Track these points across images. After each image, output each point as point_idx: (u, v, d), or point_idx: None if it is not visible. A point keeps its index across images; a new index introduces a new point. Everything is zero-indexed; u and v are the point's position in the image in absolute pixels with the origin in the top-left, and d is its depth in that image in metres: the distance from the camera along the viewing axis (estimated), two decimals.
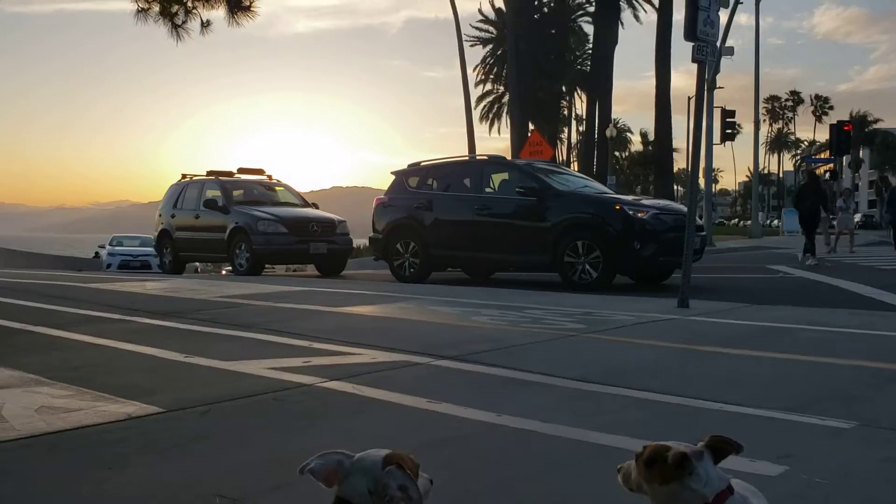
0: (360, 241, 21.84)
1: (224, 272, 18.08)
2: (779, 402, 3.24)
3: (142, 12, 7.14)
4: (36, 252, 40.27)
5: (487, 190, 11.29)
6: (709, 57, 6.55)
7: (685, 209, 8.60)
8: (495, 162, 11.97)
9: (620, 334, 5.24)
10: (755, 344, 4.80)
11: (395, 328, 5.68)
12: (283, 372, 3.85)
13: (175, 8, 6.90)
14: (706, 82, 24.13)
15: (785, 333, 5.36)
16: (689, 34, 6.42)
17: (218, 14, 7.06)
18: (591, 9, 46.72)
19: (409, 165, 12.51)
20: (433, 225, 11.40)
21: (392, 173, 12.50)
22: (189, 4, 6.91)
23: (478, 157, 12.87)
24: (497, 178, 11.52)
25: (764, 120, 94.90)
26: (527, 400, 3.36)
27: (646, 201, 10.91)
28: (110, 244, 28.00)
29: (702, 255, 10.99)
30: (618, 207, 9.91)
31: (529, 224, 10.38)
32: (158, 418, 3.03)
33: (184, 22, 7.02)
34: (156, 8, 6.97)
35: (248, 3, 6.94)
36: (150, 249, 21.10)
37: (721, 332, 5.42)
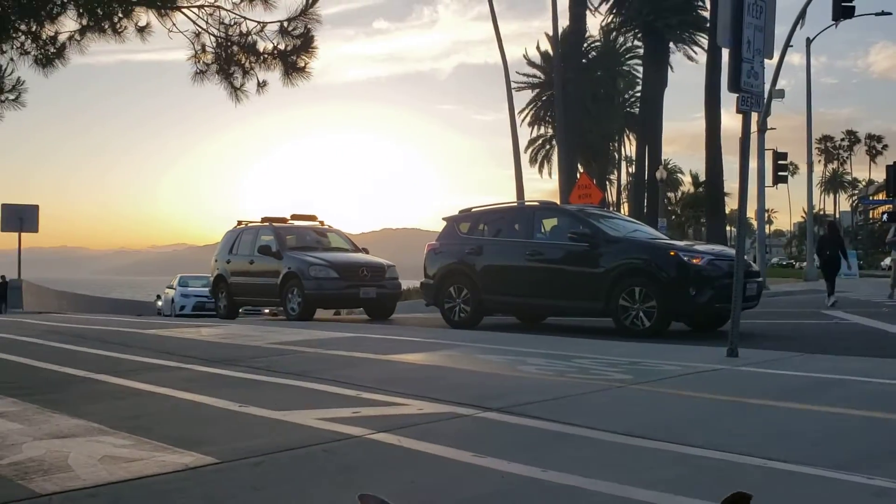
0: (410, 284, 21.83)
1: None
2: (826, 459, 3.23)
3: (200, 74, 7.53)
4: (98, 296, 41.62)
5: (538, 235, 11.36)
6: (753, 107, 6.58)
7: None
8: (546, 207, 12.05)
9: (667, 385, 5.24)
10: (805, 397, 4.75)
11: (443, 377, 5.76)
12: (332, 423, 3.96)
13: (233, 69, 7.25)
14: (756, 125, 23.97)
15: (837, 386, 5.29)
16: (733, 86, 6.46)
17: (274, 75, 7.39)
18: (640, 52, 46.95)
19: (460, 211, 12.67)
20: (484, 270, 11.49)
21: (443, 219, 12.67)
22: (247, 66, 7.24)
23: (528, 203, 12.97)
24: (548, 224, 11.60)
25: (818, 161, 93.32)
26: (571, 454, 3.40)
27: (699, 247, 10.82)
28: (180, 285, 26.62)
29: (758, 301, 10.81)
30: (672, 254, 9.87)
31: (582, 270, 10.38)
32: (215, 469, 3.16)
33: (242, 84, 7.37)
34: (214, 69, 7.32)
35: (303, 65, 7.25)
36: None
37: (770, 384, 5.37)
